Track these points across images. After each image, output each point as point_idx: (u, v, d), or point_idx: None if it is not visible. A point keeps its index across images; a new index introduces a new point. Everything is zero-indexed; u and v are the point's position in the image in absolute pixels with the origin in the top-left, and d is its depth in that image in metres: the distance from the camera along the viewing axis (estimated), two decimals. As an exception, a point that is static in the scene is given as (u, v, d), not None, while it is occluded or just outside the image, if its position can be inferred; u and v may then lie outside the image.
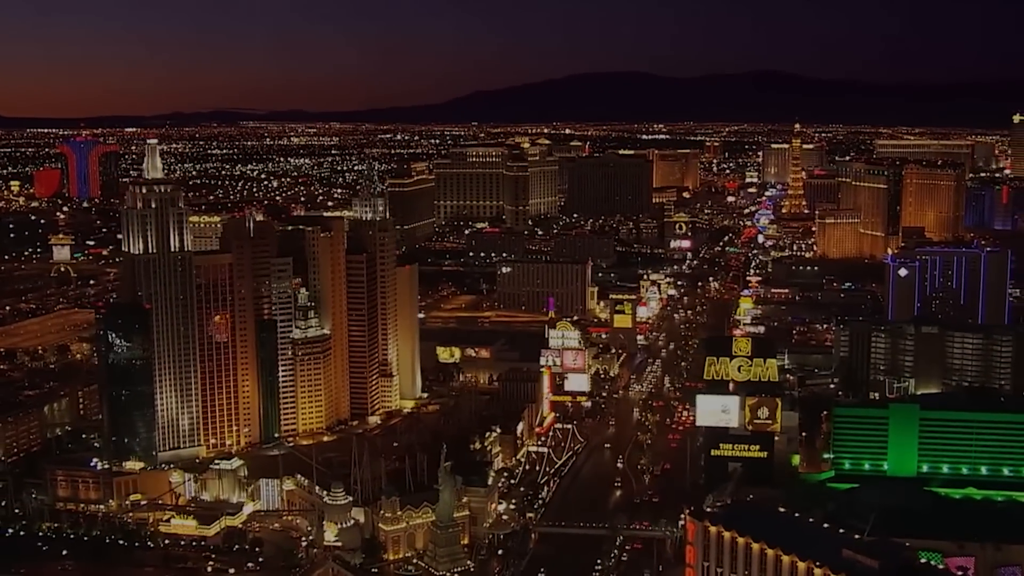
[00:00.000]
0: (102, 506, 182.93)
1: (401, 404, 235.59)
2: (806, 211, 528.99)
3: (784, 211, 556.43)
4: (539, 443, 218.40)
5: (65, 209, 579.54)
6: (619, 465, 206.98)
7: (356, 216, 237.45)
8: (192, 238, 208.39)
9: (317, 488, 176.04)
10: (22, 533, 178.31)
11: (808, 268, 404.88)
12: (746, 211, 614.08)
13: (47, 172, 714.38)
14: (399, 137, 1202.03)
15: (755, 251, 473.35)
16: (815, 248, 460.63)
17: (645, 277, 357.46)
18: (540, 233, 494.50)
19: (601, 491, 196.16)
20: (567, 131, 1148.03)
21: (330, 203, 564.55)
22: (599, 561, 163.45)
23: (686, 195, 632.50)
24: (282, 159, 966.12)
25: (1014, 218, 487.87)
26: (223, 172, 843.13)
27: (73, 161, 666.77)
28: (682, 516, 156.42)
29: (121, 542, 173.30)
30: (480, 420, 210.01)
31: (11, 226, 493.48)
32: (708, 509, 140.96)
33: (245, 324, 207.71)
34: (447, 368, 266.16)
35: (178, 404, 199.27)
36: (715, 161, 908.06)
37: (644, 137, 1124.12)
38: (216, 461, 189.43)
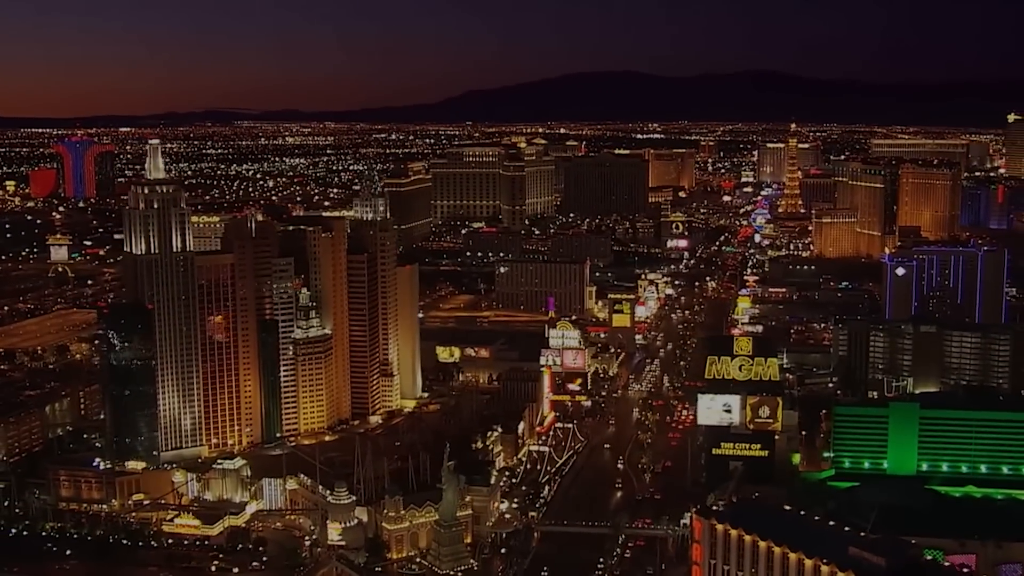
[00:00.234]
0: (105, 506, 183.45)
1: (402, 404, 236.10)
2: (802, 210, 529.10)
3: (780, 210, 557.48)
4: (540, 442, 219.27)
5: (61, 209, 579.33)
6: (620, 464, 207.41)
7: (357, 216, 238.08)
8: (192, 238, 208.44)
9: (320, 487, 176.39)
10: (25, 533, 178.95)
11: (805, 267, 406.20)
12: (742, 210, 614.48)
13: (43, 172, 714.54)
14: (394, 137, 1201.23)
15: (752, 251, 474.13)
16: (812, 247, 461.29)
17: (643, 277, 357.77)
18: (537, 233, 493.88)
19: (602, 490, 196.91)
20: (563, 131, 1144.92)
21: (327, 203, 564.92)
22: (601, 559, 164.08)
23: (682, 195, 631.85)
24: (277, 159, 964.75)
25: (1010, 217, 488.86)
26: (218, 172, 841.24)
27: (69, 161, 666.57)
28: (685, 514, 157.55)
29: (125, 542, 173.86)
30: (481, 419, 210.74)
31: (7, 226, 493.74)
32: (712, 507, 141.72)
33: (247, 324, 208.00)
34: (447, 368, 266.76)
35: (180, 404, 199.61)
36: (710, 160, 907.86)
37: (639, 136, 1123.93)
38: (219, 461, 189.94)
